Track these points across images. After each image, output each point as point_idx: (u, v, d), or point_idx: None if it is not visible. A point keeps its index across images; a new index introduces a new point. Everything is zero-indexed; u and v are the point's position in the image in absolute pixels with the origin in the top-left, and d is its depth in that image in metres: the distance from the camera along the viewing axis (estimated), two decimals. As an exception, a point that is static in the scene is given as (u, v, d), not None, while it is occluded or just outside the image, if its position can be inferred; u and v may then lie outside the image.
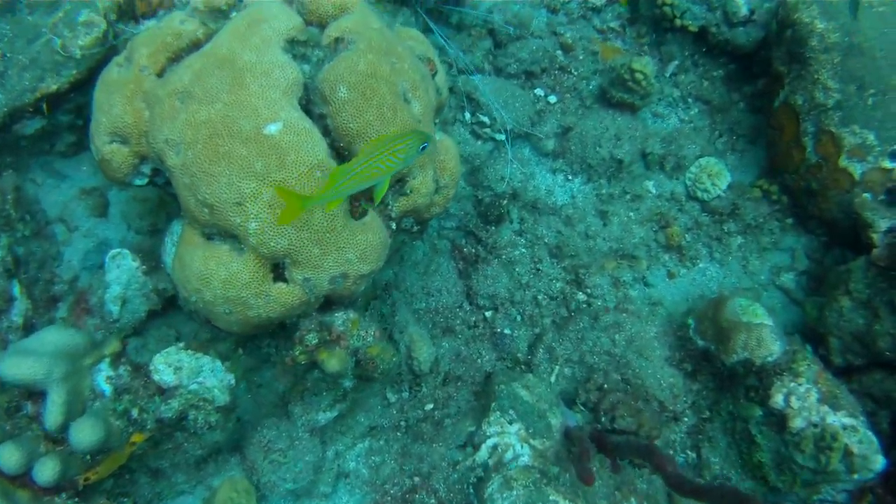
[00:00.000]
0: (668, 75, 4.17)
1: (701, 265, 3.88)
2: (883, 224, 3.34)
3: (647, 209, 3.89)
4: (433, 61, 2.97)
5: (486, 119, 3.82)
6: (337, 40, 2.56)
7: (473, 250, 3.67)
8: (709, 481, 2.49)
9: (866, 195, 3.56)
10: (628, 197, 3.90)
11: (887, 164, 3.52)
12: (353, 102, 2.40)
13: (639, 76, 3.72)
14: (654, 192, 3.95)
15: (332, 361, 2.62)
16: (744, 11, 3.91)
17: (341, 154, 2.48)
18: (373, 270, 2.60)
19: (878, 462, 2.96)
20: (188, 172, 2.32)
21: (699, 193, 3.90)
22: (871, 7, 3.51)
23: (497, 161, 3.77)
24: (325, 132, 2.45)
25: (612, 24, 4.22)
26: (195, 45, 2.54)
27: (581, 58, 4.06)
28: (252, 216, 2.29)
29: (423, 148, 2.19)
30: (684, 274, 3.86)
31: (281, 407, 3.12)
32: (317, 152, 2.35)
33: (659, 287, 3.82)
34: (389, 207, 2.67)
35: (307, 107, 2.46)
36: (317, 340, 2.60)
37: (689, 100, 4.17)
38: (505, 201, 3.70)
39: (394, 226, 2.72)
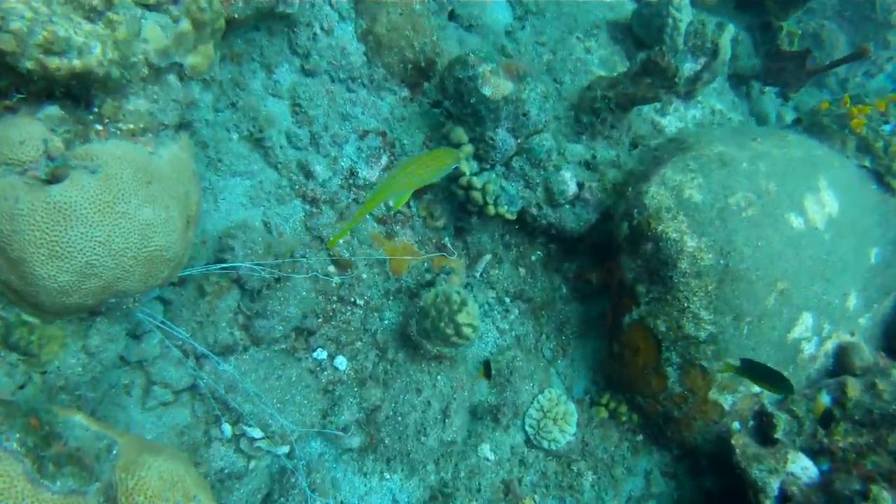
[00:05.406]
0: (478, 275, 3.03)
1: (555, 527, 3.01)
2: (774, 484, 2.76)
3: (490, 485, 2.83)
4: None
5: (255, 433, 2.38)
6: None
7: None
8: None
9: (735, 424, 2.96)
10: (463, 475, 2.79)
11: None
12: None
13: (467, 330, 2.54)
14: (492, 457, 2.89)
15: None
16: (572, 189, 2.88)
17: None
18: None
19: None
20: None
21: (545, 444, 2.94)
22: (739, 211, 2.72)
23: (289, 494, 2.39)
24: None
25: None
26: None
27: (365, 276, 2.71)
28: None
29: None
30: (539, 548, 2.97)
31: None
32: None
33: (514, 583, 2.88)
34: None
35: None
36: None
37: (507, 299, 3.09)
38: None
39: None
